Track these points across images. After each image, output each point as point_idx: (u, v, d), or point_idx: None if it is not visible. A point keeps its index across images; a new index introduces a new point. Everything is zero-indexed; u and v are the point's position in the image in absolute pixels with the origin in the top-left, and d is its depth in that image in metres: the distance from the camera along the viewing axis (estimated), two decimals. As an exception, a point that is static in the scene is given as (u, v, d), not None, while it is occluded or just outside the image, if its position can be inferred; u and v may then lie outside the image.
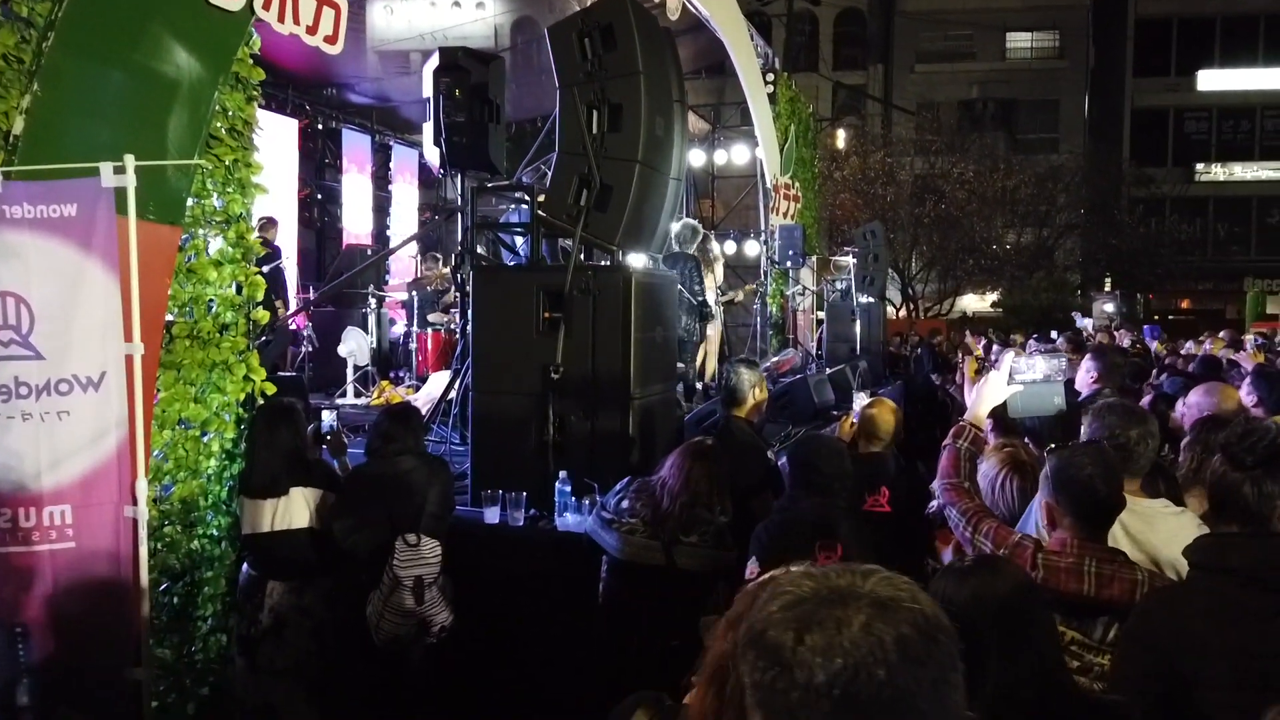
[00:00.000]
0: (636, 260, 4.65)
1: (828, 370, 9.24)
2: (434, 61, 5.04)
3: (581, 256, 4.44)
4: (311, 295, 10.38)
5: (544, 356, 4.31)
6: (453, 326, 9.00)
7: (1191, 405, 4.12)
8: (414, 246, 12.49)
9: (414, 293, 9.61)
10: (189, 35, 3.60)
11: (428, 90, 5.12)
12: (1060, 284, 25.40)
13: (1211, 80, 34.65)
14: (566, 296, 4.23)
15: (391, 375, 9.71)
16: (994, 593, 1.77)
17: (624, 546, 3.64)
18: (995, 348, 9.33)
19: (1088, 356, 5.27)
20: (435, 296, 9.55)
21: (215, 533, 3.97)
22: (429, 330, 9.06)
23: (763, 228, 13.98)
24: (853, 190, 25.71)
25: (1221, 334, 11.77)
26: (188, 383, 3.82)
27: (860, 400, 4.44)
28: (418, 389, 8.40)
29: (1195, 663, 1.93)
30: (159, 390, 3.64)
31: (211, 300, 3.93)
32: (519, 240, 6.57)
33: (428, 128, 5.18)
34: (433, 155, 5.21)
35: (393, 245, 11.48)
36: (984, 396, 2.89)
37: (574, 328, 4.28)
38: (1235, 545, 2.03)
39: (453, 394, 5.36)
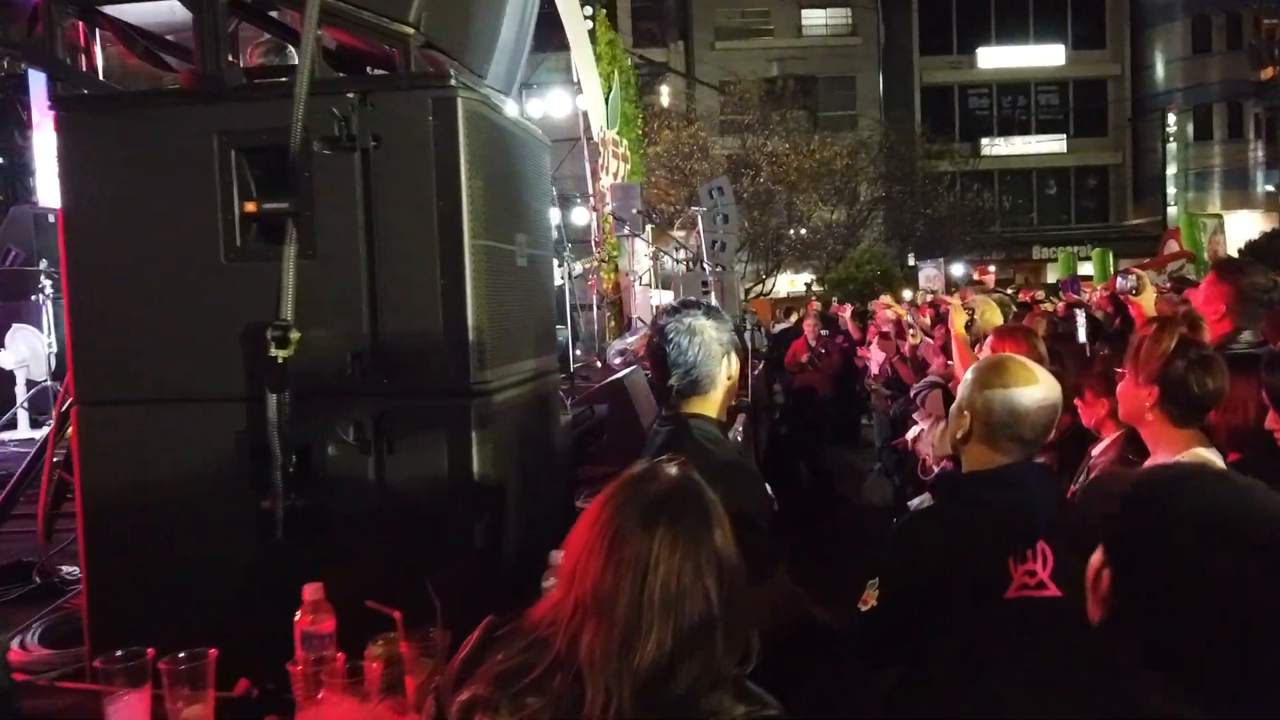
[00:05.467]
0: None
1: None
2: None
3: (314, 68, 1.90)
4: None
5: (249, 308, 1.76)
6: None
7: None
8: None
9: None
10: None
11: None
12: (881, 255, 25.00)
13: (990, 58, 36.41)
14: (297, 157, 1.69)
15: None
16: None
17: None
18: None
19: (1210, 282, 3.31)
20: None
21: None
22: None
23: (590, 191, 11.87)
24: (666, 167, 24.20)
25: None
26: None
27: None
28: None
29: None
30: None
31: None
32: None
33: None
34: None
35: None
36: None
37: (321, 232, 1.75)
38: None
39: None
